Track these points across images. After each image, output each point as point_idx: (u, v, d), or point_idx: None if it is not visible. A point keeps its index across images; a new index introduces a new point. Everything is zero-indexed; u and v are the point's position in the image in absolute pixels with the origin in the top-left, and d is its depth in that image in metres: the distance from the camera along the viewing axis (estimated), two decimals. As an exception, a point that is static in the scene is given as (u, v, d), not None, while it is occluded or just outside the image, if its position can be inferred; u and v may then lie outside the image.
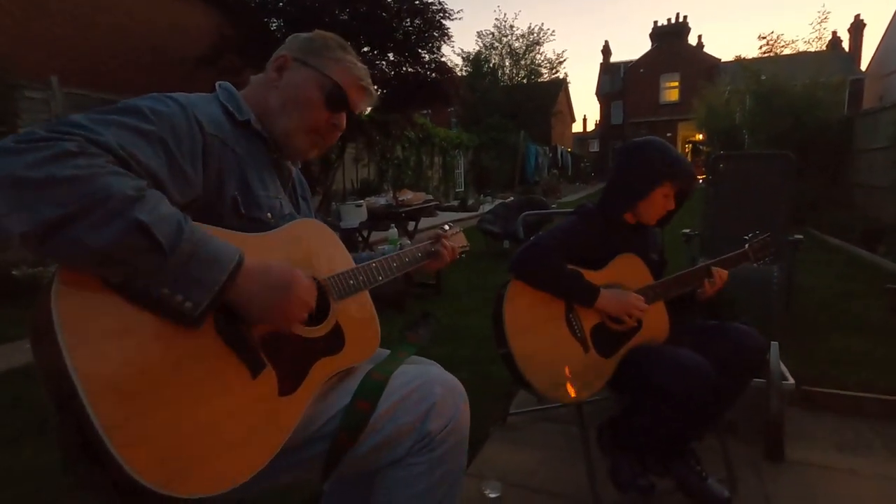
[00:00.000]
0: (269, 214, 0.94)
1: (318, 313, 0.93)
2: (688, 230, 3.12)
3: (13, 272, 4.06)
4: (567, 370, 1.44)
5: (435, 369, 1.03)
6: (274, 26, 6.94)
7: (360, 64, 1.04)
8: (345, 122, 1.04)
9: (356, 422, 0.89)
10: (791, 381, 1.85)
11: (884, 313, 3.36)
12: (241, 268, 0.75)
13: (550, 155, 22.11)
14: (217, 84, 1.01)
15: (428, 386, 0.94)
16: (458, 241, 1.36)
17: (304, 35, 1.04)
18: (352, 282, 1.00)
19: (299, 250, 0.95)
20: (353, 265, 1.04)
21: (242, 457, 0.77)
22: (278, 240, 0.92)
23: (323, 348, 0.93)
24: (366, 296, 1.06)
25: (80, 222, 0.62)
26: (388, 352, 1.07)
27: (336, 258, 1.03)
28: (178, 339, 0.72)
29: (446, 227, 1.35)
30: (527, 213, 2.93)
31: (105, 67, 6.51)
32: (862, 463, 1.78)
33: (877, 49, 18.63)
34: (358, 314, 1.02)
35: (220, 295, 0.73)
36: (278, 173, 1.03)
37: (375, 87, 1.10)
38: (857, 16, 24.21)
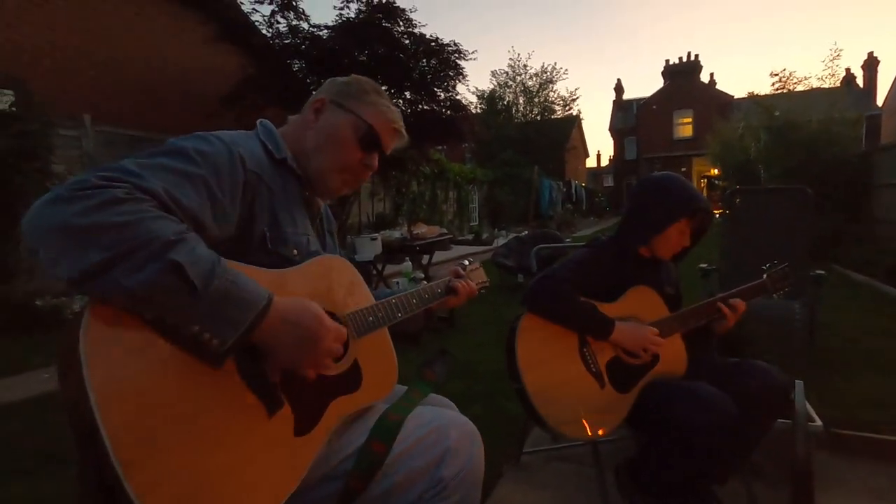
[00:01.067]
0: (294, 251, 0.96)
1: None
2: (705, 265, 3.08)
3: (37, 302, 4.15)
4: (582, 406, 1.41)
5: (450, 412, 1.02)
6: (296, 67, 7.22)
7: (393, 108, 1.10)
8: (377, 162, 1.07)
9: (370, 464, 0.88)
10: (819, 422, 1.77)
11: (914, 352, 3.22)
12: (270, 308, 0.76)
13: (564, 189, 22.21)
14: (258, 122, 1.06)
15: (444, 430, 0.93)
16: (478, 277, 1.36)
17: (341, 79, 1.09)
18: (371, 318, 1.01)
19: (321, 286, 0.96)
20: (374, 301, 1.04)
21: (256, 499, 0.76)
22: (302, 275, 0.94)
23: (340, 387, 0.93)
24: (385, 333, 1.06)
25: (120, 265, 0.65)
26: (406, 387, 1.06)
27: (357, 295, 1.03)
28: (199, 377, 0.73)
29: (466, 262, 1.35)
30: (540, 246, 2.91)
31: (133, 105, 6.83)
32: (899, 512, 1.68)
33: (893, 84, 18.57)
34: (376, 352, 1.02)
35: (246, 334, 0.73)
36: (308, 210, 1.06)
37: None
38: (871, 53, 24.34)
